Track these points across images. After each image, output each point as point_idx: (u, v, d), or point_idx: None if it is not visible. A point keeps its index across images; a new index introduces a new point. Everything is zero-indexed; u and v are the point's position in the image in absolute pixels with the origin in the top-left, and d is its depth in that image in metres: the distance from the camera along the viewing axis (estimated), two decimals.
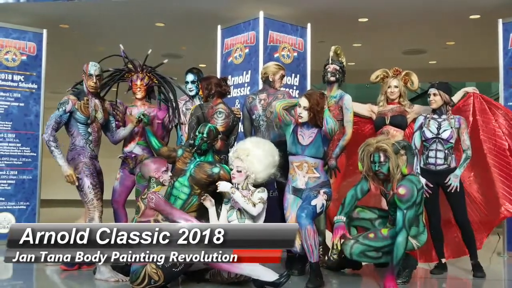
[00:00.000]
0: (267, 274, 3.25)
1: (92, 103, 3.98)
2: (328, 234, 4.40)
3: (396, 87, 4.37)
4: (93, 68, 3.95)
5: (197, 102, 4.58)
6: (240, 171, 3.62)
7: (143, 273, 3.24)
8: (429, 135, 4.04)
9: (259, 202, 3.55)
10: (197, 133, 3.77)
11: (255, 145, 3.70)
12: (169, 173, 3.67)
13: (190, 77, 4.65)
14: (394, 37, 7.13)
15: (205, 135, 3.74)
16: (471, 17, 6.24)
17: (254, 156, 3.63)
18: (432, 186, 4.00)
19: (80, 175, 3.82)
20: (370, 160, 3.53)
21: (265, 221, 4.85)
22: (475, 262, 4.01)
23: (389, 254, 3.50)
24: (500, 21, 5.15)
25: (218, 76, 5.05)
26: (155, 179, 3.58)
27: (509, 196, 4.26)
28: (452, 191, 3.96)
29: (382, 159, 3.48)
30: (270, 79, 4.26)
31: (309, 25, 5.45)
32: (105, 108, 4.10)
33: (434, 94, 4.05)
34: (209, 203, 3.64)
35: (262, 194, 3.60)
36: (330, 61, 4.37)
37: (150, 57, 4.33)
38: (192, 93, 4.65)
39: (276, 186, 4.35)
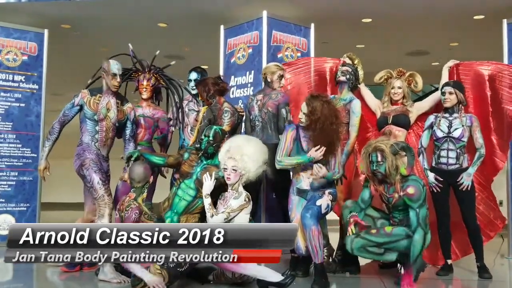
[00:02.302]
0: (273, 275, 3.21)
1: (105, 101, 3.91)
2: (331, 235, 4.36)
3: (399, 88, 4.34)
4: (115, 67, 3.88)
5: (199, 101, 4.55)
6: (236, 170, 3.57)
7: None
8: (440, 134, 4.00)
9: (222, 212, 3.49)
10: (202, 137, 3.76)
11: (246, 144, 3.65)
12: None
13: (193, 75, 4.64)
14: (397, 38, 7.09)
15: (211, 138, 3.74)
16: (475, 17, 6.20)
17: (247, 154, 3.58)
18: (442, 180, 3.97)
19: (88, 172, 3.77)
20: (368, 160, 3.53)
21: (267, 220, 4.88)
22: (481, 263, 3.98)
23: (393, 252, 3.53)
24: (505, 21, 5.11)
25: None
26: (137, 188, 3.46)
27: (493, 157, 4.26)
28: (464, 189, 3.92)
29: (379, 159, 3.48)
30: (269, 79, 4.26)
31: (312, 25, 5.43)
32: (121, 109, 4.00)
33: (450, 93, 4.01)
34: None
35: (232, 202, 3.53)
36: (341, 64, 4.37)
37: (151, 58, 4.30)
38: (195, 92, 4.62)
39: (274, 190, 4.33)
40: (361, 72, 4.36)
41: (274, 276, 3.21)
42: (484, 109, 4.30)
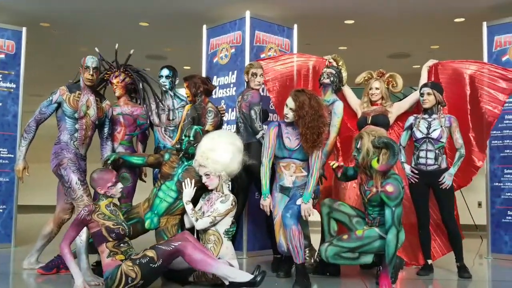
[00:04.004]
0: (244, 275, 3.16)
1: (85, 98, 3.83)
2: (313, 237, 4.35)
3: (377, 88, 4.39)
4: (90, 60, 3.84)
5: (169, 98, 4.46)
6: (209, 175, 3.54)
7: (119, 274, 3.11)
8: (419, 135, 4.03)
9: (208, 216, 3.47)
10: (183, 137, 3.73)
11: (211, 144, 3.60)
12: (119, 185, 3.41)
13: (165, 71, 4.53)
14: (379, 40, 7.14)
15: (191, 138, 3.71)
16: (456, 20, 6.27)
17: (214, 154, 3.54)
18: (417, 172, 4.01)
19: (66, 171, 3.67)
20: (354, 145, 3.59)
21: (250, 222, 4.84)
22: (461, 263, 4.02)
23: (368, 254, 3.55)
24: (485, 24, 5.18)
25: None
26: (102, 195, 3.38)
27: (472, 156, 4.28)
28: (443, 188, 3.96)
29: (358, 145, 3.53)
30: (246, 79, 4.35)
31: (295, 26, 5.42)
32: (101, 107, 3.94)
33: (428, 94, 4.04)
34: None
35: (219, 206, 3.49)
36: (325, 66, 4.37)
37: (133, 58, 4.24)
38: (165, 88, 4.53)
39: (258, 190, 4.33)
40: (344, 74, 4.39)
41: (245, 277, 3.16)
42: (462, 107, 4.34)
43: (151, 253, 3.12)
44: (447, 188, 3.97)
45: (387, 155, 3.44)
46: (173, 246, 3.12)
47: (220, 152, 3.55)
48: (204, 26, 5.52)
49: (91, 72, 3.81)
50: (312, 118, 3.49)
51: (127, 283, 3.09)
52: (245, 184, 4.21)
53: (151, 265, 3.10)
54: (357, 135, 3.60)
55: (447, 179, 3.96)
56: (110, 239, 3.19)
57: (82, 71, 3.85)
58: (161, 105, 4.44)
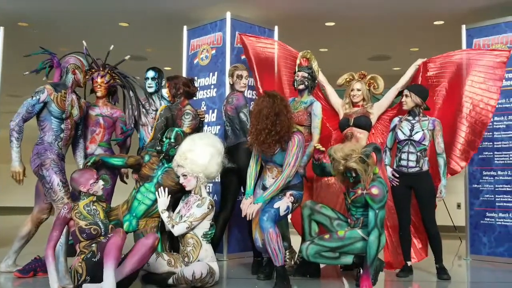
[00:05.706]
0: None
1: (70, 97, 3.79)
2: (293, 238, 4.36)
3: (359, 90, 4.42)
4: (85, 62, 3.90)
5: (156, 100, 4.44)
6: (186, 175, 3.53)
7: (73, 272, 3.17)
8: (401, 136, 4.06)
9: (184, 221, 3.46)
10: (164, 139, 3.71)
11: (190, 145, 3.60)
12: (101, 182, 3.39)
13: (150, 73, 4.50)
14: (360, 42, 7.18)
15: (172, 140, 3.70)
16: (435, 23, 6.34)
17: (193, 155, 3.54)
18: (398, 176, 4.04)
19: (48, 172, 3.61)
20: (343, 175, 3.56)
21: (231, 224, 4.82)
22: (440, 265, 4.05)
23: (348, 255, 3.58)
24: (464, 27, 5.26)
25: None
26: (84, 193, 3.35)
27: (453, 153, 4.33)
28: (439, 200, 4.07)
29: (353, 174, 3.51)
30: (230, 82, 4.33)
31: (276, 27, 5.42)
32: (81, 105, 3.92)
33: (406, 96, 4.09)
34: None
35: (195, 210, 3.48)
36: (297, 69, 4.35)
37: (114, 58, 4.19)
38: (151, 90, 4.50)
39: (242, 190, 4.31)
40: (314, 64, 4.34)
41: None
42: (456, 96, 4.35)
43: (94, 248, 3.15)
44: (429, 194, 4.02)
45: (373, 157, 3.50)
46: (107, 238, 3.11)
47: (199, 153, 3.55)
48: (185, 27, 5.50)
49: (88, 76, 3.89)
50: (256, 114, 3.52)
51: (78, 280, 3.12)
52: (234, 187, 4.19)
53: (92, 259, 3.11)
54: (341, 167, 3.49)
55: (443, 192, 4.05)
56: (82, 239, 3.20)
57: (78, 72, 3.84)
58: (147, 106, 4.42)
